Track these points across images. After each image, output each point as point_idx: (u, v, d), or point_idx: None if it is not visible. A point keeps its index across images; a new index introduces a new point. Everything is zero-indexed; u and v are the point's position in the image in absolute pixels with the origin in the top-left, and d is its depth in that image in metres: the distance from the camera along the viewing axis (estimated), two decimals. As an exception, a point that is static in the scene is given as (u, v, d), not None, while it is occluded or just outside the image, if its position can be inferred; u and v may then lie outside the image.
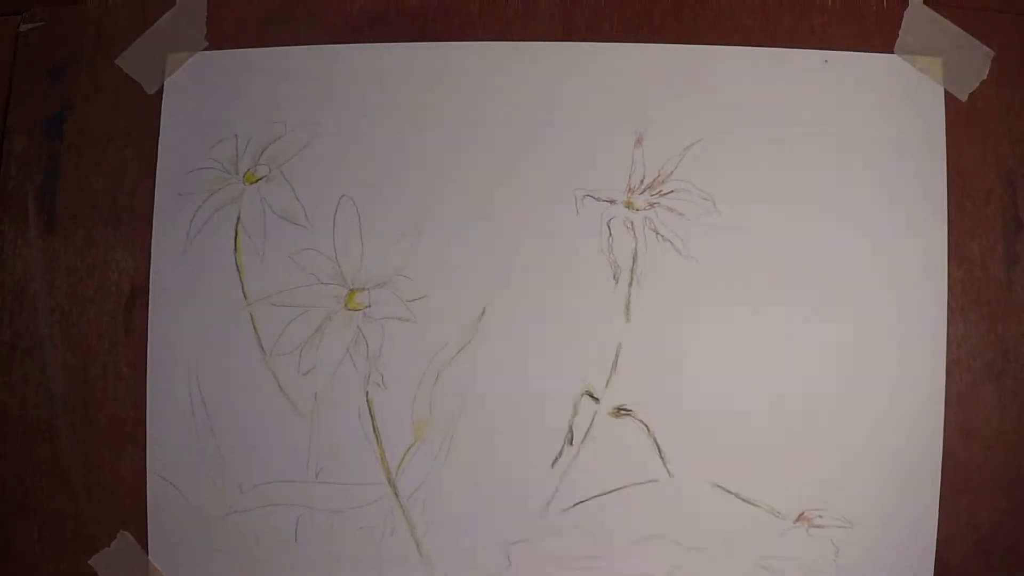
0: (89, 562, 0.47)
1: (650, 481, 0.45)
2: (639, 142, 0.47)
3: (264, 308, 0.47)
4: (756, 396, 0.46)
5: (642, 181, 0.47)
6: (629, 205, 0.47)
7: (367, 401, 0.46)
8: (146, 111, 0.49)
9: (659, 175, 0.47)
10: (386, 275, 0.47)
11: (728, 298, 0.46)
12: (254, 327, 0.47)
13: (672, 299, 0.46)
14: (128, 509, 0.47)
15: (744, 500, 0.45)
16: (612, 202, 0.47)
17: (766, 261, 0.46)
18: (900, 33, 0.47)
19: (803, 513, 0.45)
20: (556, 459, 0.46)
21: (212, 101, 0.49)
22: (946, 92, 0.47)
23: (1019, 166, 0.47)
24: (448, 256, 0.47)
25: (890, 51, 0.47)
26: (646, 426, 0.46)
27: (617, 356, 0.46)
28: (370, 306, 0.47)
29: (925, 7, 0.48)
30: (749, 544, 0.45)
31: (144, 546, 0.47)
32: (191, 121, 0.49)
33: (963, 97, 0.47)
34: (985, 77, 0.47)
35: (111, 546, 0.47)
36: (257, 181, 0.48)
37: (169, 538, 0.47)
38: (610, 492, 0.45)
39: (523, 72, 0.48)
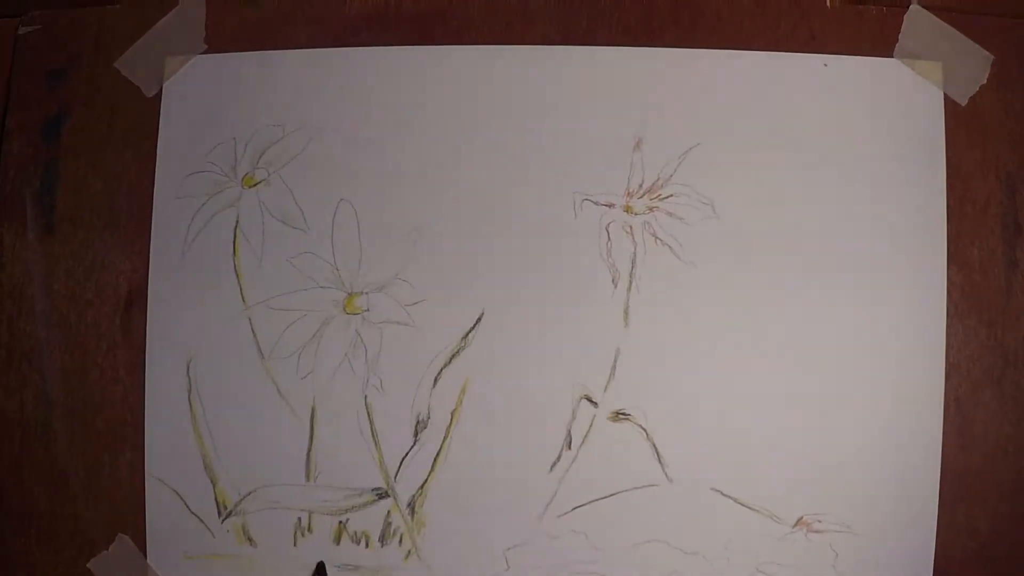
0: (87, 565, 0.47)
1: (648, 486, 0.45)
2: (638, 146, 0.47)
3: (262, 312, 0.47)
4: (755, 401, 0.45)
5: (641, 185, 0.47)
6: (628, 209, 0.47)
7: (365, 405, 0.46)
8: (145, 114, 0.49)
9: (658, 179, 0.47)
10: (384, 279, 0.47)
11: (727, 303, 0.46)
12: (252, 331, 0.47)
13: (671, 303, 0.46)
14: (126, 512, 0.47)
15: (743, 505, 0.45)
16: (611, 206, 0.47)
17: (765, 266, 0.46)
18: (900, 37, 0.47)
19: (802, 518, 0.45)
20: (554, 463, 0.46)
21: (211, 104, 0.49)
22: (946, 96, 0.47)
23: (1019, 170, 0.47)
24: (446, 260, 0.47)
25: (890, 55, 0.47)
26: (644, 431, 0.45)
27: (615, 360, 0.46)
28: (368, 310, 0.47)
29: (925, 11, 0.48)
30: (748, 549, 0.45)
31: (142, 549, 0.47)
32: (190, 124, 0.49)
33: (963, 101, 0.47)
34: (985, 81, 0.47)
35: (109, 549, 0.47)
36: (256, 185, 0.48)
37: (167, 541, 0.47)
38: (608, 496, 0.45)
39: (521, 75, 0.48)
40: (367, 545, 0.46)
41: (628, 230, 0.47)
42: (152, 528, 0.47)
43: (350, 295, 0.47)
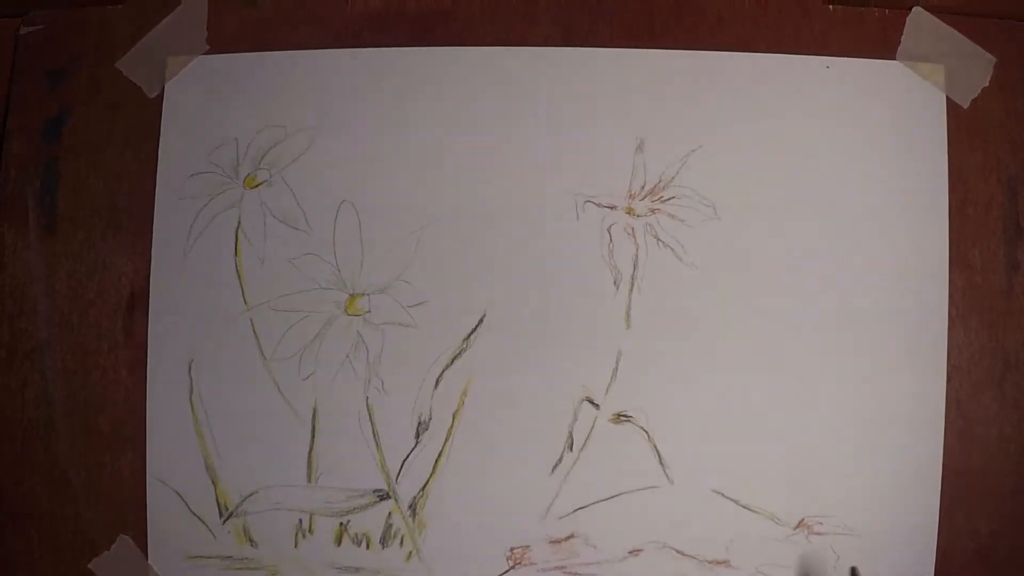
0: (88, 566, 0.47)
1: (650, 487, 0.45)
2: (640, 148, 0.47)
3: (264, 313, 0.47)
4: (756, 403, 0.45)
5: (643, 187, 0.47)
6: (630, 211, 0.47)
7: (367, 406, 0.46)
8: (146, 115, 0.49)
9: (660, 181, 0.47)
10: (386, 280, 0.47)
11: (728, 304, 0.46)
12: (254, 332, 0.47)
13: (672, 305, 0.46)
14: (128, 513, 0.47)
15: (744, 507, 0.45)
16: (613, 208, 0.47)
17: (766, 268, 0.46)
18: (902, 39, 0.47)
19: (803, 520, 0.45)
20: (556, 465, 0.46)
21: (213, 105, 0.49)
22: (948, 98, 0.47)
23: (1020, 172, 0.47)
24: (448, 261, 0.47)
25: (892, 57, 0.47)
26: (646, 432, 0.46)
27: (617, 362, 0.46)
28: (370, 311, 0.47)
29: (927, 14, 0.48)
30: (749, 551, 0.45)
31: (143, 550, 0.47)
32: (191, 125, 0.49)
33: (965, 103, 0.47)
34: (987, 84, 0.47)
35: (110, 550, 0.47)
36: (257, 186, 0.48)
37: (169, 542, 0.47)
38: (610, 498, 0.45)
39: (523, 77, 0.48)
40: (368, 546, 0.46)
41: (630, 232, 0.47)
42: (153, 529, 0.47)
43: (352, 296, 0.47)
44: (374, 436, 0.46)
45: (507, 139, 0.47)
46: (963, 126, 0.47)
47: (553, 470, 0.46)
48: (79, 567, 0.47)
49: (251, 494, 0.46)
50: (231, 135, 0.48)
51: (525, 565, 0.45)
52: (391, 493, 0.46)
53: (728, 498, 0.45)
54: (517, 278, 0.46)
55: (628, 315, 0.46)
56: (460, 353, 0.46)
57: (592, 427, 0.46)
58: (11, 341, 0.48)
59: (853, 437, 0.45)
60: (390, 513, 0.46)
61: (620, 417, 0.46)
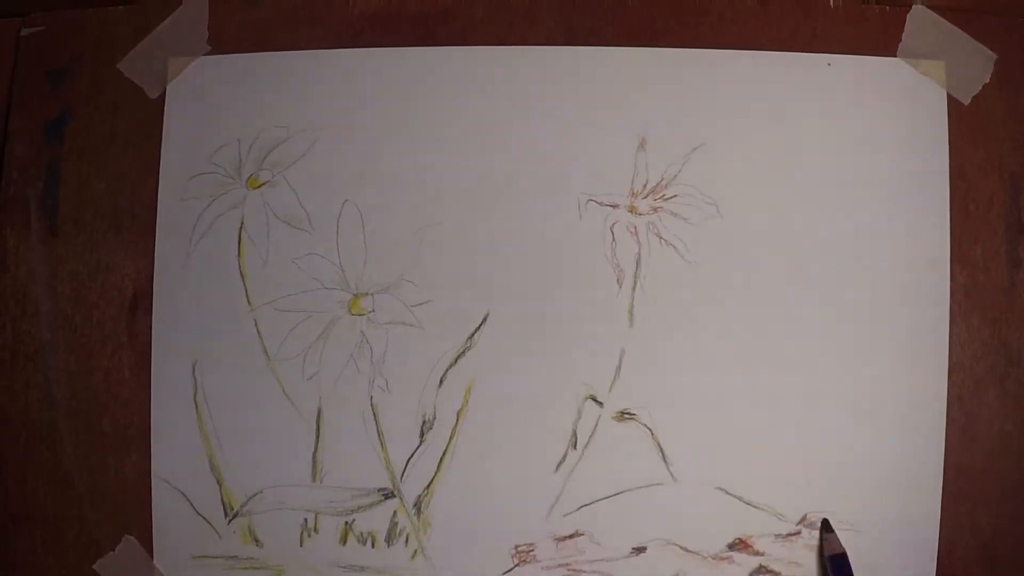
0: (93, 567, 0.47)
1: (653, 485, 0.46)
2: (642, 146, 0.47)
3: (268, 313, 0.47)
4: (759, 400, 0.46)
5: (645, 185, 0.47)
6: (632, 210, 0.47)
7: (371, 405, 0.46)
8: (148, 115, 0.49)
9: (662, 179, 0.47)
10: (390, 280, 0.47)
11: (731, 302, 0.46)
12: (258, 332, 0.47)
13: (675, 304, 0.46)
14: (132, 513, 0.47)
15: (748, 503, 0.45)
16: (615, 207, 0.47)
17: (768, 265, 0.46)
18: (903, 36, 0.48)
19: (806, 516, 0.45)
20: (560, 463, 0.46)
21: (215, 106, 0.49)
22: (949, 95, 0.47)
23: (1022, 169, 0.47)
24: (451, 261, 0.47)
25: (893, 54, 0.47)
26: (650, 430, 0.46)
27: (620, 360, 0.46)
28: (374, 311, 0.47)
29: (928, 10, 0.48)
30: (752, 547, 0.45)
31: (149, 551, 0.47)
32: (193, 126, 0.49)
33: (966, 100, 0.47)
34: (988, 80, 0.47)
35: (115, 551, 0.47)
36: (260, 186, 0.48)
37: (174, 542, 0.47)
38: (613, 496, 0.46)
39: (525, 76, 0.48)
40: (373, 545, 0.46)
41: (632, 230, 0.47)
42: (158, 529, 0.47)
43: (355, 296, 0.47)
44: (378, 435, 0.46)
45: (509, 138, 0.47)
46: (964, 123, 0.47)
47: (557, 468, 0.46)
48: (84, 568, 0.47)
49: (256, 494, 0.47)
50: (233, 136, 0.48)
51: (530, 563, 0.46)
52: (396, 492, 0.46)
53: (731, 495, 0.45)
54: (520, 277, 0.47)
55: (631, 313, 0.46)
56: (464, 352, 0.46)
57: (596, 425, 0.46)
58: (14, 343, 0.48)
59: (855, 434, 0.45)
60: (395, 512, 0.46)
61: (623, 415, 0.46)
